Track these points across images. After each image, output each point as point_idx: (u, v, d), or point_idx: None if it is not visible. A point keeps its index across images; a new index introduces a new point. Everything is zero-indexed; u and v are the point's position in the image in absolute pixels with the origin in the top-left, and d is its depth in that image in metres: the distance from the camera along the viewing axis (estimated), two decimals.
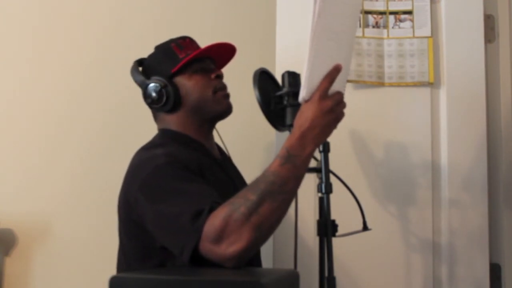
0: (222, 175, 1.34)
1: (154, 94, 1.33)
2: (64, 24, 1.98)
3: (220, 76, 1.38)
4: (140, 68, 1.41)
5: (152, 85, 1.33)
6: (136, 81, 1.38)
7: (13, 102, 1.94)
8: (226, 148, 1.50)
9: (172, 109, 1.34)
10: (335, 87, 1.13)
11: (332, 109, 1.11)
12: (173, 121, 1.36)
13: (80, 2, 2.00)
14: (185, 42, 1.38)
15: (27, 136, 1.93)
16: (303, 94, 1.11)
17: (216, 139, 1.47)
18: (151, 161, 1.20)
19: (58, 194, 1.90)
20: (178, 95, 1.33)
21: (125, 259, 1.29)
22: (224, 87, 1.37)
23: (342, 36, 1.13)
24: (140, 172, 1.20)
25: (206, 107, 1.34)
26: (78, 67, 1.96)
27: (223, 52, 1.42)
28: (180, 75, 1.34)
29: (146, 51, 1.45)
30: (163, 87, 1.32)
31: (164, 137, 1.35)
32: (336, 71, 1.11)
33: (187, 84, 1.34)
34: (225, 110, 1.37)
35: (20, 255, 1.86)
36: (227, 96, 1.37)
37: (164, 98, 1.32)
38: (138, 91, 1.41)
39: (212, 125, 1.40)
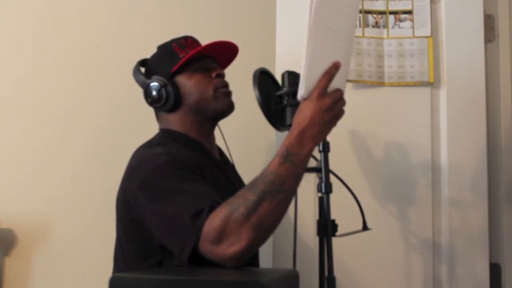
0: (221, 177, 1.33)
1: (154, 94, 1.33)
2: (65, 23, 1.98)
3: (221, 75, 1.37)
4: (143, 68, 1.42)
5: (152, 84, 1.34)
6: (137, 81, 1.39)
7: (13, 102, 1.94)
8: (230, 155, 1.51)
9: (173, 109, 1.34)
10: (336, 84, 1.13)
11: (331, 107, 1.10)
12: (174, 120, 1.36)
13: (81, 1, 2.00)
14: (187, 42, 1.38)
15: (27, 136, 1.92)
16: (301, 92, 1.11)
17: (219, 141, 1.47)
18: (151, 160, 1.20)
19: (58, 194, 1.89)
20: (179, 95, 1.33)
21: (123, 257, 1.28)
22: (225, 85, 1.37)
23: (341, 34, 1.13)
24: (140, 171, 1.19)
25: (207, 105, 1.34)
26: (78, 67, 1.96)
27: (225, 51, 1.42)
28: (181, 74, 1.35)
29: (145, 50, 1.45)
30: (163, 86, 1.33)
31: (164, 136, 1.35)
32: (335, 68, 1.11)
33: (187, 83, 1.34)
34: (227, 108, 1.36)
35: (20, 255, 1.86)
36: (228, 94, 1.37)
37: (164, 98, 1.33)
38: (138, 91, 1.42)
39: (213, 125, 1.40)
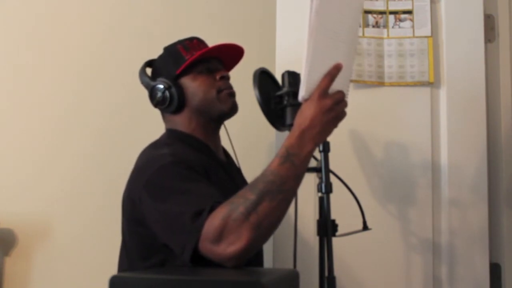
0: (226, 178, 1.34)
1: (158, 96, 1.34)
2: (65, 23, 1.98)
3: (225, 77, 1.37)
4: (150, 69, 1.42)
5: (156, 86, 1.34)
6: (142, 83, 1.40)
7: (13, 102, 1.94)
8: (237, 158, 1.51)
9: (177, 110, 1.35)
10: (338, 86, 1.12)
11: (332, 108, 1.10)
12: (179, 121, 1.37)
13: (81, 1, 2.00)
14: (192, 43, 1.39)
15: (27, 136, 1.92)
16: (302, 93, 1.11)
17: (225, 143, 1.47)
18: (157, 160, 1.21)
19: (58, 194, 1.90)
20: (183, 96, 1.34)
21: (127, 256, 1.29)
22: (229, 87, 1.37)
23: (342, 36, 1.13)
24: (146, 171, 1.20)
25: (211, 107, 1.34)
26: (78, 68, 1.96)
27: (231, 53, 1.42)
28: (185, 76, 1.35)
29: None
30: (167, 88, 1.33)
31: (170, 137, 1.36)
32: (336, 69, 1.11)
33: (192, 85, 1.35)
34: (230, 109, 1.37)
35: (20, 255, 1.86)
36: (232, 94, 1.37)
37: (168, 100, 1.33)
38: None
39: (217, 125, 1.41)
